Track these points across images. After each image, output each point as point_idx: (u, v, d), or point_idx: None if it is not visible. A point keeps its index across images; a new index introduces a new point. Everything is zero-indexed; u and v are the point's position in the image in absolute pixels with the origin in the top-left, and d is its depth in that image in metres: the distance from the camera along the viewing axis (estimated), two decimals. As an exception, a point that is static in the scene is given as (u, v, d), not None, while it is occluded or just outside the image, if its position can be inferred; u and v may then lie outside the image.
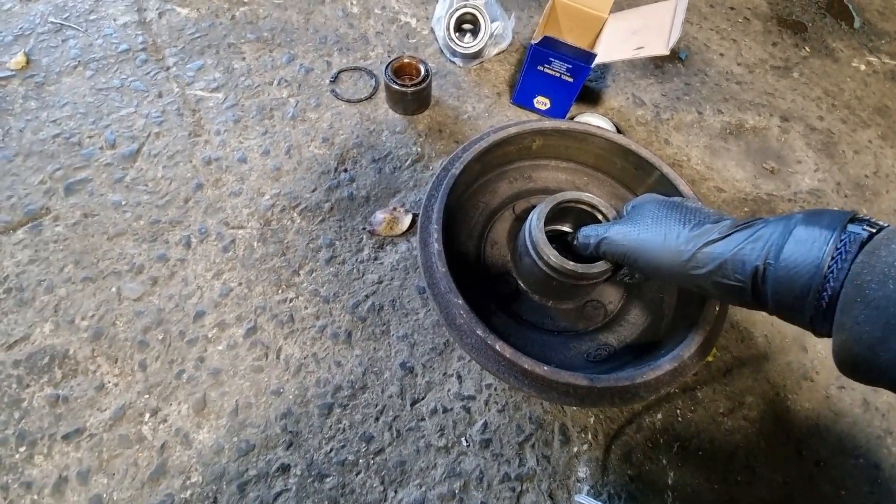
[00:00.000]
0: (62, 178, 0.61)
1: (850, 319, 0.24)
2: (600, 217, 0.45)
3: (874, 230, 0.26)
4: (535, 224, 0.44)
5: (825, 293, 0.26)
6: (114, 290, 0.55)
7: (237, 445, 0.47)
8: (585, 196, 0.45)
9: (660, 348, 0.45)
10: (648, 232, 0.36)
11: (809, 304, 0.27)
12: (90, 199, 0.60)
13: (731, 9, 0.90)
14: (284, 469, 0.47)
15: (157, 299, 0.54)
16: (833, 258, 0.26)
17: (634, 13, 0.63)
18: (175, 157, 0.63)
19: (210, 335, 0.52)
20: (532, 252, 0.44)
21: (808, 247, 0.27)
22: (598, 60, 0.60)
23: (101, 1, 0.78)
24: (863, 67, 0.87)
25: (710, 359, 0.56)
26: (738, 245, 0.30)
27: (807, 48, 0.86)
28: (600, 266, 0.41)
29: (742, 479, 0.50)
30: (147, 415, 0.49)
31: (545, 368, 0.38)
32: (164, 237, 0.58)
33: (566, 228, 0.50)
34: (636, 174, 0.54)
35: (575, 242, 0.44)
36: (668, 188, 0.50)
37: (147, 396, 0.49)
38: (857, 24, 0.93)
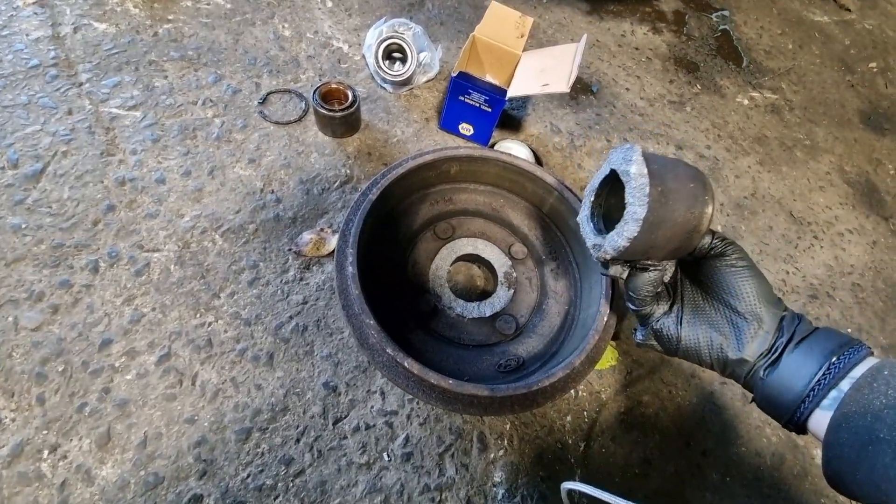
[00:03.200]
0: (-50, 200, 0.56)
1: (836, 440, 0.30)
2: None
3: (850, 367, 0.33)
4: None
5: (799, 414, 0.33)
6: (10, 319, 0.51)
7: (144, 479, 0.46)
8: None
9: (561, 357, 0.50)
10: (702, 336, 0.38)
11: (785, 416, 0.34)
12: (-16, 222, 0.56)
13: (636, 49, 1.01)
14: (197, 500, 0.46)
15: (58, 328, 0.51)
16: (813, 389, 0.33)
17: (544, 52, 0.70)
18: (84, 178, 0.61)
19: (117, 364, 0.50)
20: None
21: (797, 374, 0.33)
22: (510, 95, 0.65)
23: (16, 16, 0.73)
24: (746, 102, 1.01)
25: (613, 363, 0.62)
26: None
27: (698, 85, 0.99)
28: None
29: (639, 472, 0.56)
30: (46, 451, 0.46)
31: (450, 382, 0.41)
32: (69, 262, 0.55)
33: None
34: (542, 195, 0.59)
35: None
36: (566, 207, 0.55)
37: (45, 432, 0.47)
38: (744, 64, 1.08)
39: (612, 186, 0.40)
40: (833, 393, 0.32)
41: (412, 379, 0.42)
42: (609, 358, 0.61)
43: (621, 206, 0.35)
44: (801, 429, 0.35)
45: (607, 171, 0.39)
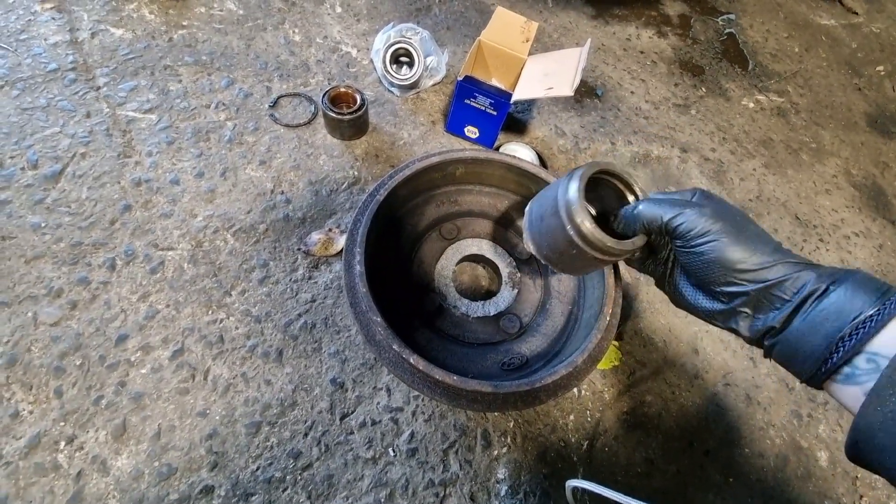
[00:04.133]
0: (-26, 200, 0.59)
1: (867, 423, 0.28)
2: (632, 198, 0.41)
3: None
4: (573, 187, 0.39)
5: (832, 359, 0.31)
6: (30, 314, 0.53)
7: (158, 470, 0.47)
8: (624, 172, 0.41)
9: (563, 356, 0.51)
10: (736, 227, 0.35)
11: (808, 364, 0.31)
12: (8, 220, 0.58)
13: (641, 52, 1.02)
14: (208, 490, 0.47)
15: (76, 324, 0.53)
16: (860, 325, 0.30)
17: (549, 57, 0.71)
18: (102, 178, 0.63)
19: (133, 359, 0.52)
20: (563, 215, 0.39)
21: (841, 309, 0.30)
22: (514, 98, 0.66)
23: (34, 21, 0.76)
24: (751, 105, 1.01)
25: (616, 363, 0.62)
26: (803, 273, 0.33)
27: (703, 89, 0.99)
28: (630, 244, 0.38)
29: (642, 472, 0.56)
30: (63, 443, 0.47)
31: (454, 378, 0.42)
32: (87, 260, 0.57)
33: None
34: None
35: (632, 212, 0.39)
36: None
37: (62, 424, 0.48)
38: (750, 67, 1.08)
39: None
40: (846, 369, 0.30)
41: (417, 375, 0.43)
42: (612, 358, 0.62)
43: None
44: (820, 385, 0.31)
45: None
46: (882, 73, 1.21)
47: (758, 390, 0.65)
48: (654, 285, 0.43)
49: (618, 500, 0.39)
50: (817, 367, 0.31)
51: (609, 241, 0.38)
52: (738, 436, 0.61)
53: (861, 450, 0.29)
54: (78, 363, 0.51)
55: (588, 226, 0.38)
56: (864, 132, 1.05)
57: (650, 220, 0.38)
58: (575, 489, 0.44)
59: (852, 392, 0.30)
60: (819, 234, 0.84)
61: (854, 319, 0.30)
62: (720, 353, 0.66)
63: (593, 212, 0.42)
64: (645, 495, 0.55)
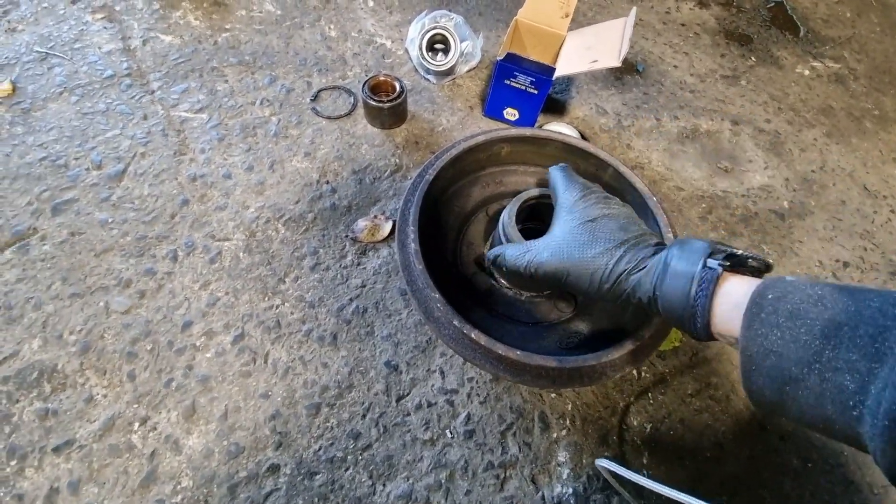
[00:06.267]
0: (49, 199, 0.62)
1: (756, 388, 0.29)
2: None
3: (727, 263, 0.33)
4: (507, 221, 0.47)
5: (697, 321, 0.33)
6: (101, 304, 0.56)
7: (227, 449, 0.49)
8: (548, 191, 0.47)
9: (626, 333, 0.49)
10: (573, 253, 0.39)
11: (687, 327, 0.34)
12: (77, 218, 0.62)
13: (682, 25, 0.97)
14: (274, 469, 0.48)
15: (145, 311, 0.55)
16: (697, 293, 0.32)
17: (589, 31, 0.69)
18: (161, 176, 0.66)
19: (198, 344, 0.54)
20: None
21: (680, 282, 0.33)
22: (557, 73, 0.65)
23: (86, 30, 0.81)
24: (807, 73, 0.95)
25: (677, 344, 0.60)
26: (640, 275, 0.36)
27: (753, 58, 0.94)
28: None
29: (711, 456, 0.53)
30: (136, 424, 0.50)
31: (518, 353, 0.41)
32: (151, 252, 0.60)
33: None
34: (596, 173, 0.58)
35: (502, 267, 0.44)
36: (623, 184, 0.54)
37: (136, 406, 0.51)
38: (802, 33, 1.02)
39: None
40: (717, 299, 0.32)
41: (479, 351, 0.43)
42: (673, 338, 0.59)
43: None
44: (711, 336, 0.33)
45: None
46: (951, 32, 1.11)
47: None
48: None
49: (647, 485, 0.37)
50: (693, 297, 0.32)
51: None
52: (813, 420, 0.57)
53: (764, 409, 0.30)
54: (149, 348, 0.53)
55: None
56: (935, 95, 0.96)
57: (516, 270, 0.43)
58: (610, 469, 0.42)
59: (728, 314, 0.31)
60: (890, 205, 0.77)
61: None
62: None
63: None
64: (717, 480, 0.52)
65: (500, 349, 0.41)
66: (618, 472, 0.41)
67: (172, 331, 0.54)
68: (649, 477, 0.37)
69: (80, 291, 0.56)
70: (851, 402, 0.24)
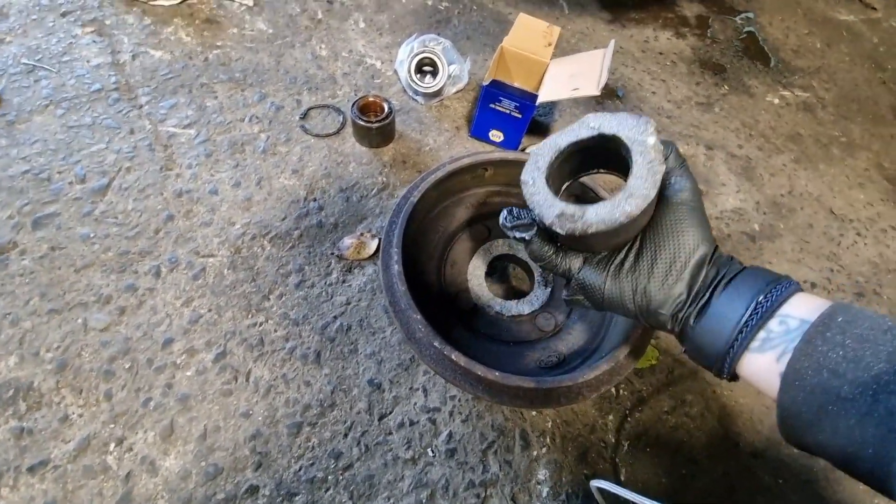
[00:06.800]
0: (30, 213, 0.62)
1: (791, 399, 0.28)
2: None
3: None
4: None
5: (729, 361, 0.32)
6: (80, 321, 0.55)
7: (205, 470, 0.48)
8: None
9: (604, 352, 0.50)
10: (626, 282, 0.35)
11: (715, 365, 0.33)
12: (58, 232, 0.61)
13: (660, 53, 1.02)
14: (253, 490, 0.48)
15: (125, 329, 0.55)
16: (741, 332, 0.31)
17: (571, 59, 0.72)
18: (146, 191, 0.66)
19: (179, 361, 0.54)
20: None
21: (725, 317, 0.32)
22: (540, 99, 0.67)
23: (75, 43, 0.81)
24: (776, 101, 1.00)
25: (654, 362, 0.61)
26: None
27: (726, 86, 0.99)
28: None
29: (686, 473, 0.55)
30: (112, 444, 0.49)
31: (496, 374, 0.42)
32: (133, 268, 0.59)
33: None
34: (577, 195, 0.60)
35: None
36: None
37: (112, 426, 0.50)
38: (772, 63, 1.07)
39: (581, 154, 0.36)
40: (762, 334, 0.30)
41: (459, 371, 0.44)
42: (650, 356, 0.61)
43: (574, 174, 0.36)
44: (734, 376, 0.33)
45: (595, 134, 0.34)
46: (908, 65, 1.18)
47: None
48: None
49: (641, 502, 0.38)
50: (733, 337, 0.31)
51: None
52: (784, 437, 0.59)
53: (791, 428, 0.29)
54: (127, 366, 0.53)
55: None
56: (893, 125, 1.02)
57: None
58: (601, 489, 0.43)
59: (766, 362, 0.30)
60: (856, 229, 0.81)
61: (768, 285, 0.31)
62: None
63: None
64: (691, 497, 0.53)
65: (479, 370, 0.42)
66: (614, 491, 0.41)
67: (152, 348, 0.54)
68: (647, 496, 0.38)
69: (59, 307, 0.56)
70: None
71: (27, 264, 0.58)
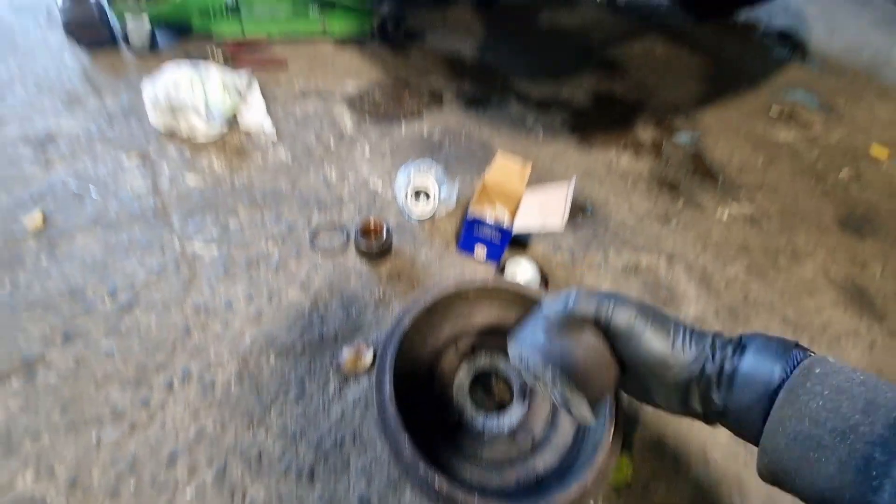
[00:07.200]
0: (61, 328, 0.69)
1: (773, 446, 0.31)
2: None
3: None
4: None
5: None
6: (93, 436, 0.60)
7: None
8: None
9: (577, 469, 0.55)
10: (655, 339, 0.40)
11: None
12: (85, 347, 0.68)
13: (623, 173, 1.19)
14: None
15: (134, 445, 0.59)
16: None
17: (542, 190, 0.86)
18: (169, 306, 0.74)
19: (180, 479, 0.57)
20: None
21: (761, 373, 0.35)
22: (514, 232, 0.79)
23: (120, 168, 0.95)
24: (725, 215, 1.14)
25: (628, 478, 0.65)
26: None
27: (681, 202, 1.13)
28: None
29: None
30: (107, 569, 0.51)
31: (476, 500, 0.47)
32: (149, 381, 0.65)
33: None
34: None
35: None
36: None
37: (110, 548, 0.52)
38: (720, 181, 1.24)
39: None
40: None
41: (441, 497, 0.48)
42: (623, 470, 0.65)
43: None
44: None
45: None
46: (846, 177, 1.35)
47: (781, 495, 0.66)
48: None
49: None
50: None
51: None
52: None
53: (773, 472, 0.32)
54: (132, 485, 0.56)
55: None
56: (837, 234, 1.15)
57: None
58: None
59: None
60: (809, 335, 0.89)
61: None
62: (731, 463, 0.68)
63: None
64: None
65: (460, 497, 0.46)
66: None
67: (157, 467, 0.58)
68: None
69: (76, 422, 0.61)
70: (875, 472, 0.26)
71: (53, 379, 0.64)
